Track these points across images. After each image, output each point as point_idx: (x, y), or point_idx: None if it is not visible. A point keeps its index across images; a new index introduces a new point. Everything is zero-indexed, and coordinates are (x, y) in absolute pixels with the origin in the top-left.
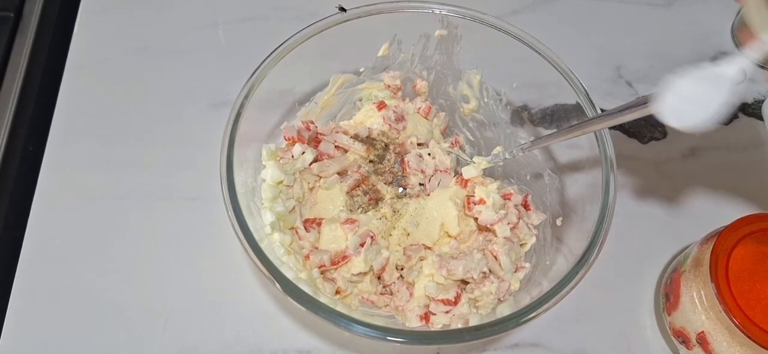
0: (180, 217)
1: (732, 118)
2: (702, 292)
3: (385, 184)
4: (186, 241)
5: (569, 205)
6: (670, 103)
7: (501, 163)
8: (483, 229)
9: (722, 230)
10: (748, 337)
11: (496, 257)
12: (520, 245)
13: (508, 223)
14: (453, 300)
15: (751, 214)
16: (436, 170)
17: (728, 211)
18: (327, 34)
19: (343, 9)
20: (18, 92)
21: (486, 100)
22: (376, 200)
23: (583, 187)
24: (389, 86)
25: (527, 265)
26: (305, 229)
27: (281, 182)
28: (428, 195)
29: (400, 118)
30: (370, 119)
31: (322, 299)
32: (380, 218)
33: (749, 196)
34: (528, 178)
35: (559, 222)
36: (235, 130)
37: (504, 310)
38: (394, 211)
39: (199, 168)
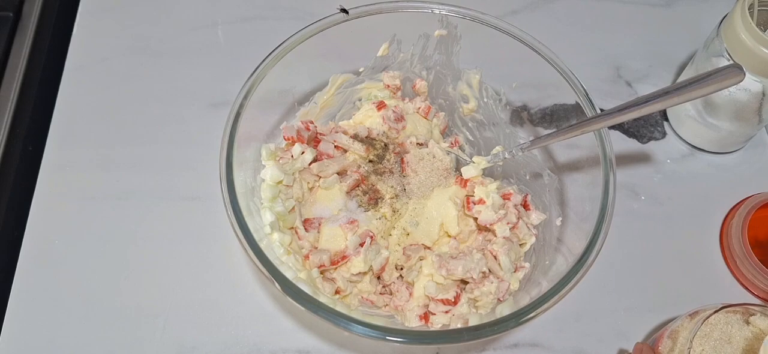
0: (180, 217)
1: None
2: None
3: (384, 184)
4: (185, 241)
5: (569, 205)
6: None
7: (500, 163)
8: (482, 229)
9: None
10: None
11: (495, 257)
12: (520, 245)
13: (508, 223)
14: (452, 300)
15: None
16: (435, 170)
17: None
18: (326, 34)
19: (345, 10)
20: (17, 92)
21: (485, 99)
22: (375, 200)
23: (582, 187)
24: (389, 86)
25: (527, 265)
26: (305, 228)
27: (281, 182)
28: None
29: (400, 118)
30: (369, 119)
31: (322, 299)
32: (380, 218)
33: (748, 194)
34: (527, 177)
35: (558, 222)
36: (234, 130)
37: (503, 310)
38: (394, 211)
39: (198, 168)
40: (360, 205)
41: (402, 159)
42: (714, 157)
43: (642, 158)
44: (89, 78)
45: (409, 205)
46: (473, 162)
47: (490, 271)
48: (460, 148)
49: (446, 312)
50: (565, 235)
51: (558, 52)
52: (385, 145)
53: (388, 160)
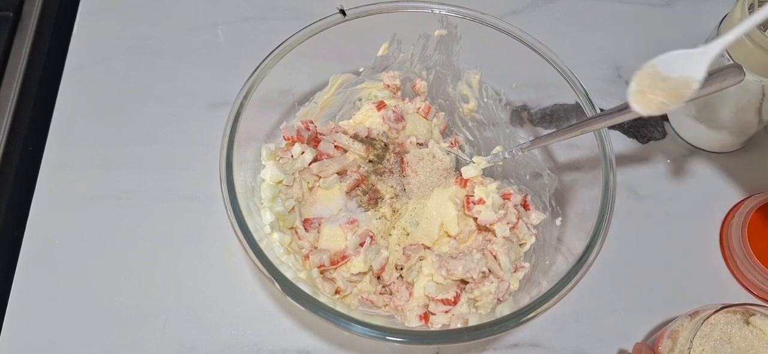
0: (180, 217)
1: None
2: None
3: (384, 184)
4: (185, 241)
5: (569, 205)
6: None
7: (500, 163)
8: (482, 228)
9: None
10: None
11: (495, 257)
12: (520, 245)
13: (508, 223)
14: (452, 300)
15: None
16: (435, 170)
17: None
18: (326, 34)
19: (343, 12)
20: (17, 92)
21: (485, 99)
22: (375, 200)
23: (582, 187)
24: (389, 86)
25: (526, 265)
26: (305, 228)
27: (281, 182)
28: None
29: (400, 118)
30: (369, 119)
31: (322, 299)
32: (380, 218)
33: (748, 194)
34: (527, 177)
35: (558, 222)
36: (234, 130)
37: (503, 310)
38: (394, 211)
39: (198, 168)
40: (360, 205)
41: (402, 159)
42: (714, 157)
43: (642, 158)
44: (89, 78)
45: (409, 205)
46: (473, 162)
47: (490, 271)
48: (460, 148)
49: (446, 312)
50: (565, 235)
51: (558, 52)
52: (385, 145)
53: (388, 160)
